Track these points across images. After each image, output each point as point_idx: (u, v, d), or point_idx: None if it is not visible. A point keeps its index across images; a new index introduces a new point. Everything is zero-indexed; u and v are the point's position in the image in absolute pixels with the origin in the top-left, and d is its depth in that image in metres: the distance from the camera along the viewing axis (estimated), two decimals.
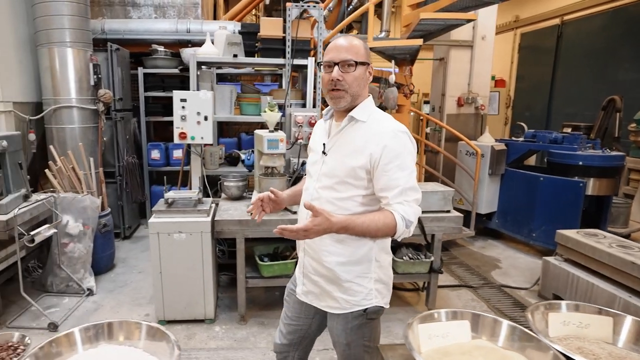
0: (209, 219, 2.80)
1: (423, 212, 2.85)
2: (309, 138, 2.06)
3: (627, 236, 4.07)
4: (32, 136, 3.75)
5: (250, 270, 2.95)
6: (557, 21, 7.11)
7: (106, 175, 4.05)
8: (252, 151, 3.66)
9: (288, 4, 3.47)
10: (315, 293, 1.49)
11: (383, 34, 4.65)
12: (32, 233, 2.70)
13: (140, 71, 4.69)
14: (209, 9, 5.74)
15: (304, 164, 2.98)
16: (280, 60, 3.60)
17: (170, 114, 4.78)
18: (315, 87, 3.67)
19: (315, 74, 3.64)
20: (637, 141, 5.12)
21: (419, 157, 5.06)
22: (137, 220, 5.00)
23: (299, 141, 3.07)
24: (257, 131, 3.00)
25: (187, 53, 4.44)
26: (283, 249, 3.11)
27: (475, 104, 5.54)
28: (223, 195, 3.27)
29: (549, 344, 1.25)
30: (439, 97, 5.77)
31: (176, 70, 4.74)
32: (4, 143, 2.76)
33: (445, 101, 5.61)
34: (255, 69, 5.48)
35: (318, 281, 1.46)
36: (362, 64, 1.34)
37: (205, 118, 3.09)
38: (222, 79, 5.70)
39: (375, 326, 1.49)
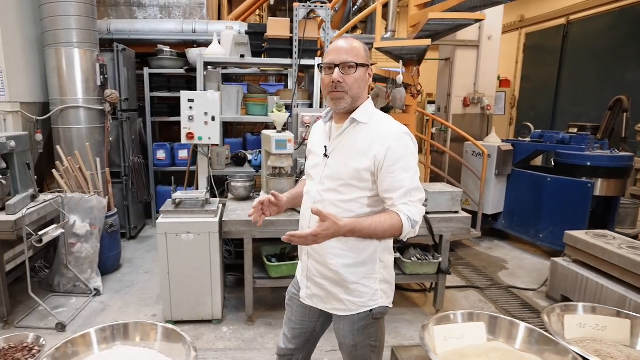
0: (217, 219, 2.79)
1: (431, 212, 2.88)
2: None
3: (635, 237, 4.03)
4: (39, 136, 3.75)
5: (257, 270, 2.94)
6: (562, 21, 7.08)
7: (112, 175, 4.05)
8: (260, 151, 3.65)
9: (295, 4, 3.46)
10: (320, 296, 1.49)
11: (389, 34, 4.64)
12: (40, 233, 2.70)
13: (146, 71, 4.69)
14: (214, 10, 5.74)
15: None
16: (287, 61, 3.59)
17: (176, 114, 4.82)
18: None
19: None
20: None
21: (424, 157, 5.04)
22: (143, 221, 5.00)
23: (306, 142, 3.06)
24: (264, 131, 2.99)
25: (193, 53, 4.44)
26: (290, 249, 3.10)
27: (482, 104, 5.52)
28: (230, 195, 3.26)
29: (567, 347, 1.24)
30: (444, 97, 5.76)
31: (182, 71, 4.74)
32: (12, 143, 2.77)
33: (451, 101, 5.59)
34: (261, 69, 5.47)
35: (323, 284, 1.46)
36: (363, 65, 1.34)
37: (213, 118, 3.08)
38: (227, 79, 5.70)
39: (380, 326, 1.50)
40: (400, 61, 3.49)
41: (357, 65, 1.32)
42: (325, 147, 1.43)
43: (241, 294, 2.98)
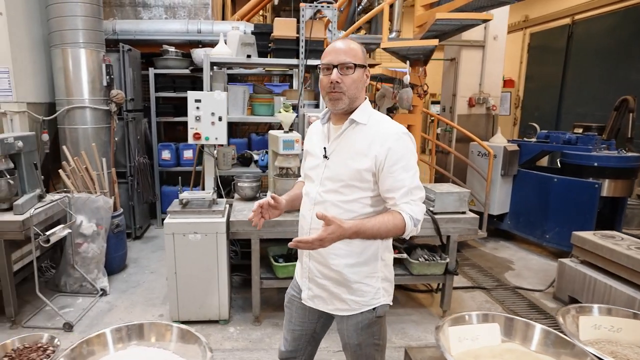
0: (224, 219, 2.79)
1: (439, 213, 2.86)
2: None
3: None
4: (45, 136, 3.75)
5: (264, 271, 2.94)
6: (567, 21, 7.05)
7: (117, 175, 4.06)
8: (266, 152, 3.65)
9: (302, 5, 3.46)
10: (322, 297, 1.49)
11: (393, 34, 4.63)
12: (47, 233, 2.70)
13: (151, 72, 4.70)
14: (218, 10, 5.74)
15: None
16: (293, 61, 3.58)
17: (181, 114, 4.83)
18: None
19: None
20: None
21: (429, 157, 5.03)
22: (148, 221, 5.00)
23: None
24: (271, 132, 2.98)
25: (198, 53, 4.44)
26: (297, 250, 3.09)
27: (487, 104, 5.51)
28: (236, 195, 3.26)
29: (585, 349, 1.22)
30: (449, 97, 5.75)
31: (187, 71, 4.74)
32: (20, 144, 2.77)
33: (456, 101, 5.59)
34: (267, 69, 5.47)
35: (325, 284, 1.46)
36: (360, 66, 1.35)
37: (220, 118, 3.08)
38: (231, 79, 5.69)
39: (383, 324, 1.51)
40: (407, 61, 3.48)
41: (355, 66, 1.33)
42: (325, 148, 1.43)
43: (247, 294, 2.97)
